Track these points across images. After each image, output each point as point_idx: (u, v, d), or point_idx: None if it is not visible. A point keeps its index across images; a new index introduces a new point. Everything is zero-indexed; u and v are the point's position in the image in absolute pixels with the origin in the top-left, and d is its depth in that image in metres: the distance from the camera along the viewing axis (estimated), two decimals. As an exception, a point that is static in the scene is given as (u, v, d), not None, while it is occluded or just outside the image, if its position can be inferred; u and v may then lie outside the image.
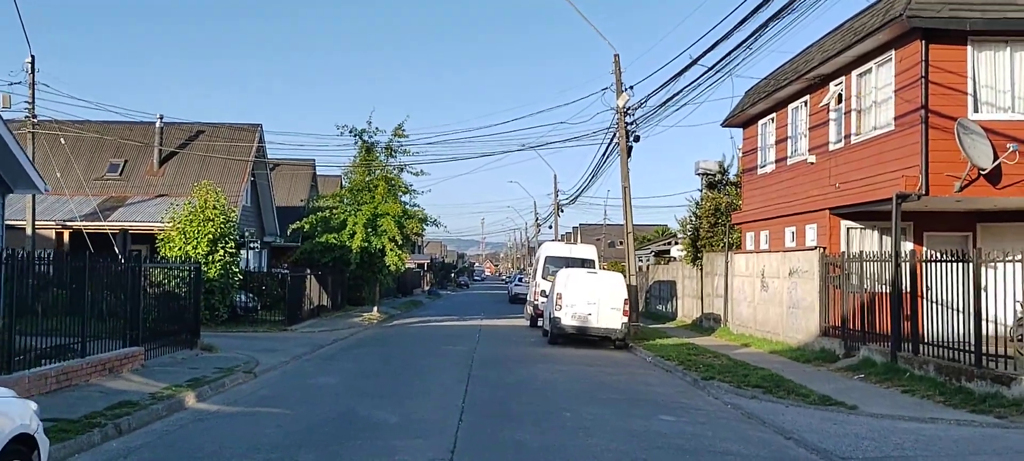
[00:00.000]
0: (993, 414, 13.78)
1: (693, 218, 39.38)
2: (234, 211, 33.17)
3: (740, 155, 38.11)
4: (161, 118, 39.87)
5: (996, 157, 18.22)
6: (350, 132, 38.49)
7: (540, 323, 32.47)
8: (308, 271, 35.85)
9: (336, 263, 38.76)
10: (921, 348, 17.51)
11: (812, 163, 24.03)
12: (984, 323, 15.54)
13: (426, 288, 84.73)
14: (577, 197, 53.22)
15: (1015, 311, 16.16)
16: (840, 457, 11.18)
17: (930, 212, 21.66)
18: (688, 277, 39.00)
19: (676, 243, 51.79)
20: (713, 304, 33.58)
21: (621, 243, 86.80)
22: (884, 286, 19.45)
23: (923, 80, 18.46)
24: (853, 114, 21.88)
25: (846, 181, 21.83)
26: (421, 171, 42.02)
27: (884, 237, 22.45)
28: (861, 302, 20.38)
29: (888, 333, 18.92)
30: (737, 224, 31.69)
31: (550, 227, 75.48)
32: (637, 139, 31.51)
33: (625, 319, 26.66)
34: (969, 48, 18.77)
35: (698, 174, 40.21)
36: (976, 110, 18.80)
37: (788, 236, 25.85)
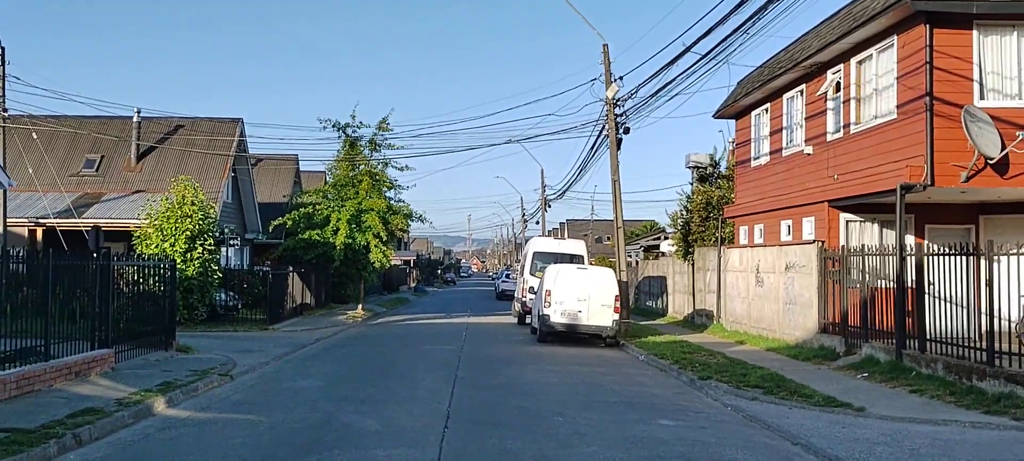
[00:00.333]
0: (1009, 415, 13.04)
1: (684, 212, 38.58)
2: (213, 207, 32.33)
3: (731, 148, 37.46)
4: (139, 112, 38.78)
5: (1004, 146, 17.51)
6: (333, 126, 37.73)
7: (528, 320, 31.74)
8: (290, 268, 35.13)
9: (320, 260, 38.06)
10: (928, 346, 16.74)
11: (809, 154, 23.29)
12: (982, 317, 14.86)
13: (412, 285, 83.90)
14: (565, 191, 52.72)
15: (1020, 305, 15.46)
16: (854, 465, 10.43)
17: (932, 204, 20.94)
18: (679, 272, 38.28)
19: (665, 238, 51.12)
20: (705, 300, 32.84)
21: (609, 238, 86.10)
22: (887, 281, 18.70)
23: (928, 66, 17.71)
24: (852, 103, 21.14)
25: (845, 172, 21.09)
26: (406, 166, 41.50)
27: (885, 230, 21.73)
28: (862, 298, 19.62)
29: (891, 330, 18.17)
30: (730, 218, 30.93)
31: (537, 223, 74.77)
32: (627, 131, 30.69)
33: (616, 316, 25.91)
34: (975, 32, 18.03)
35: (689, 167, 39.55)
36: (982, 97, 18.05)
37: (784, 230, 25.10)
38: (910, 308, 17.59)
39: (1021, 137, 17.54)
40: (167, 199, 28.46)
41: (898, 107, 18.94)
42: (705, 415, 14.06)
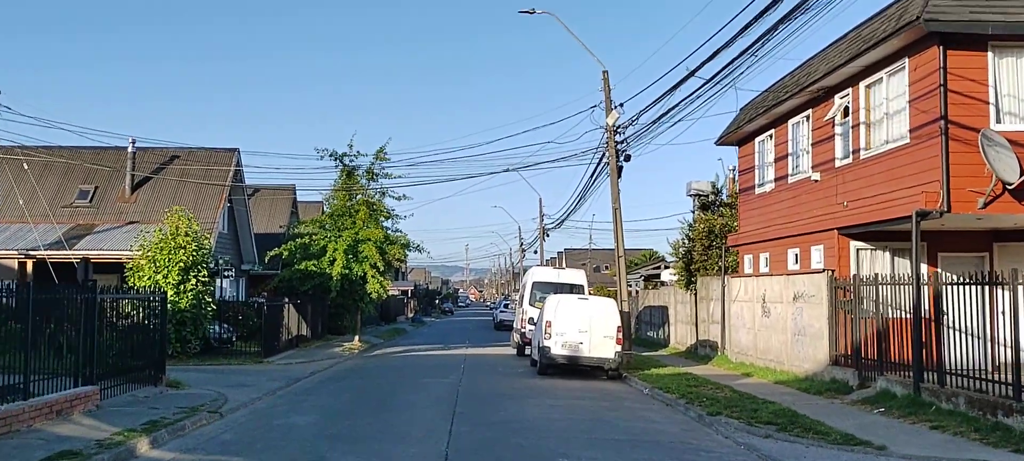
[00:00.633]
0: (1041, 454, 12.36)
1: (686, 240, 37.93)
2: (208, 238, 31.71)
3: (731, 176, 36.94)
4: (133, 142, 38.20)
5: (1023, 171, 16.90)
6: (330, 156, 37.30)
7: (528, 352, 31.06)
8: (286, 300, 34.52)
9: (316, 291, 37.42)
10: (947, 379, 16.05)
11: (816, 181, 22.70)
12: (1009, 350, 14.19)
13: (410, 315, 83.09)
14: (564, 221, 51.92)
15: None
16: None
17: (944, 231, 20.33)
18: (681, 302, 37.60)
19: (666, 267, 50.47)
20: (709, 330, 32.15)
21: (607, 267, 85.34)
22: (901, 311, 18.02)
23: (942, 89, 17.15)
24: (862, 127, 20.58)
25: (855, 199, 20.48)
26: (403, 195, 41.06)
27: (896, 258, 21.12)
28: (876, 329, 18.94)
29: (907, 362, 17.49)
30: (734, 246, 30.29)
31: (535, 252, 74.16)
32: (628, 158, 30.11)
33: (619, 348, 25.22)
34: (990, 54, 17.50)
35: (690, 195, 38.96)
36: (999, 120, 17.50)
37: (791, 258, 24.46)
38: (927, 339, 16.92)
39: (1041, 161, 16.95)
40: (160, 230, 27.92)
41: (911, 131, 18.36)
42: (717, 455, 13.36)
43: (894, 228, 19.33)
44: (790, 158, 24.98)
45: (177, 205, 30.45)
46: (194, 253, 27.35)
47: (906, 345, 17.68)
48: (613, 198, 30.04)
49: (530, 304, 34.07)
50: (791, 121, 24.79)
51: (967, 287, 15.53)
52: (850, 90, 21.06)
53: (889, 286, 18.60)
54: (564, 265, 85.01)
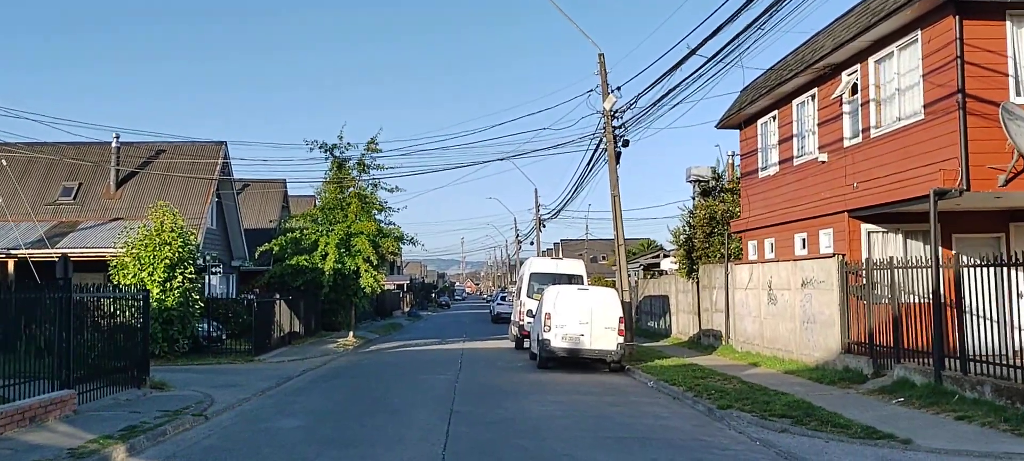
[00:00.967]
0: (1078, 446, 11.54)
1: (686, 228, 37.04)
2: (195, 233, 30.83)
3: (731, 161, 36.05)
4: (117, 137, 37.20)
5: (1046, 145, 16.06)
6: (320, 148, 36.28)
7: (526, 345, 30.25)
8: (277, 296, 33.66)
9: (309, 286, 36.60)
10: (970, 366, 15.23)
11: (824, 162, 21.85)
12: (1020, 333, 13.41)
13: (406, 309, 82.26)
14: (560, 210, 51.04)
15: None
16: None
17: (959, 212, 19.48)
18: (682, 291, 36.77)
19: (666, 256, 49.64)
20: (712, 319, 31.34)
21: (605, 257, 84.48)
22: (917, 296, 17.19)
23: (958, 61, 16.28)
24: (871, 105, 19.71)
25: (866, 180, 19.63)
26: (396, 187, 40.21)
27: (909, 241, 20.30)
28: (891, 315, 18.11)
29: (925, 349, 16.67)
30: (736, 233, 29.44)
31: (531, 243, 73.34)
32: (626, 144, 29.19)
33: (621, 339, 24.40)
34: (1008, 24, 16.66)
35: (690, 181, 38.07)
36: (1018, 93, 16.66)
37: (798, 243, 23.62)
38: (949, 326, 16.08)
39: (1064, 136, 16.10)
40: (145, 226, 27.05)
41: (925, 107, 17.51)
42: (733, 452, 12.50)
43: (907, 209, 18.49)
44: (795, 139, 24.13)
45: (163, 200, 29.53)
46: (180, 249, 26.52)
47: (923, 331, 16.87)
48: (612, 185, 29.17)
49: (528, 296, 33.22)
50: (796, 101, 23.93)
51: (987, 269, 14.70)
52: (858, 66, 20.20)
53: (905, 270, 17.75)
54: (561, 255, 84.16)
